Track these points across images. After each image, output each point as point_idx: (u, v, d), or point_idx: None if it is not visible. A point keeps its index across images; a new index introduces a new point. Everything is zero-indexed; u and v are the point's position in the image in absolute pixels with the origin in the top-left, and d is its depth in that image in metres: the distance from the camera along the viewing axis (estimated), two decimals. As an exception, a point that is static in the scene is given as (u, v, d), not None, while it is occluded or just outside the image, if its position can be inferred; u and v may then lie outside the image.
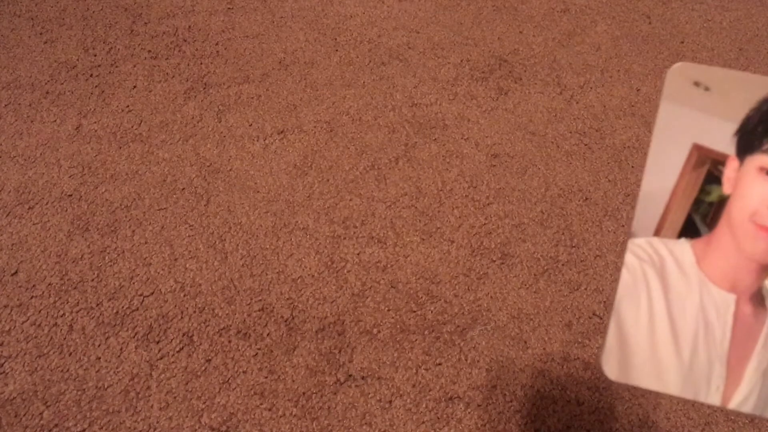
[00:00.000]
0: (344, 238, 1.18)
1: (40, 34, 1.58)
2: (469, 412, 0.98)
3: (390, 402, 0.98)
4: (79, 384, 0.99)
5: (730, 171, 0.41)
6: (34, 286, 1.10)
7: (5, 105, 1.41)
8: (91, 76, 1.48)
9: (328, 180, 1.28)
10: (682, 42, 1.63)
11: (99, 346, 1.03)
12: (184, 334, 1.05)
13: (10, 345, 1.03)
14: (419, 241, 1.18)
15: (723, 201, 0.41)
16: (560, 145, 1.36)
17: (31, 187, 1.25)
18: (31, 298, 1.08)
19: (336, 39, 1.61)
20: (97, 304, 1.08)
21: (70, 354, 1.02)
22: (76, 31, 1.60)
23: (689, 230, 0.42)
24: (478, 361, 1.03)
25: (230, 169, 1.29)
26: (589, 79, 1.52)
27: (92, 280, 1.11)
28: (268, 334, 1.05)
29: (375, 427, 0.96)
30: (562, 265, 1.16)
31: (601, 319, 1.09)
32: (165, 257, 1.14)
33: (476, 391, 1.00)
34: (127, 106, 1.41)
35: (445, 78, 1.51)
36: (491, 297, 1.11)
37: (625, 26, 1.68)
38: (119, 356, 1.02)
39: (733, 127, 0.40)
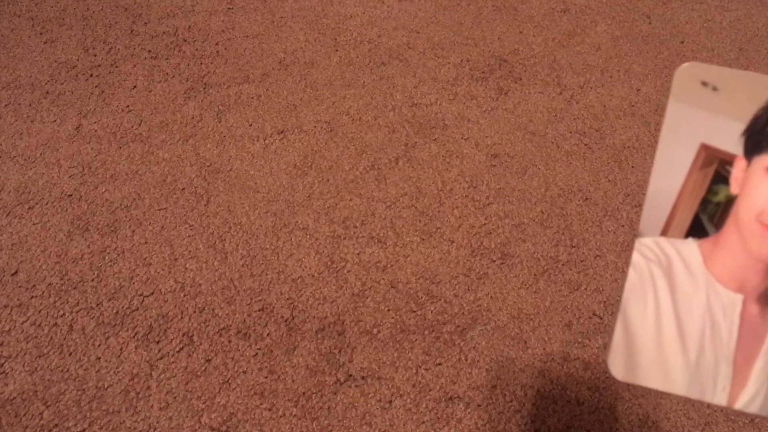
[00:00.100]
0: (344, 238, 1.18)
1: (40, 34, 1.58)
2: (469, 412, 0.98)
3: (390, 402, 0.98)
4: (79, 384, 0.98)
5: (737, 171, 0.40)
6: (34, 286, 1.10)
7: (5, 105, 1.40)
8: (91, 76, 1.48)
9: (328, 180, 1.28)
10: (682, 42, 1.63)
11: (99, 346, 1.03)
12: (184, 334, 1.04)
13: (10, 345, 1.02)
14: (419, 241, 1.18)
15: (730, 201, 0.41)
16: (560, 145, 1.36)
17: (31, 187, 1.24)
18: (31, 298, 1.08)
19: (336, 39, 1.61)
20: (97, 304, 1.08)
21: (70, 354, 1.02)
22: (76, 31, 1.60)
23: (696, 230, 0.42)
24: (478, 361, 1.03)
25: (230, 169, 1.29)
26: (589, 79, 1.52)
27: (92, 280, 1.11)
28: (268, 334, 1.05)
29: (375, 427, 0.96)
30: (562, 265, 1.16)
31: (601, 319, 1.09)
32: (165, 257, 1.14)
33: (476, 391, 1.00)
34: (127, 106, 1.41)
35: (445, 78, 1.51)
36: (491, 297, 1.11)
37: (625, 26, 1.68)
38: (119, 356, 1.02)
39: (740, 127, 0.40)
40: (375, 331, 1.06)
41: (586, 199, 1.26)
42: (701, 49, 1.62)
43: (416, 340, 1.05)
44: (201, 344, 1.03)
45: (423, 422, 0.96)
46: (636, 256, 0.42)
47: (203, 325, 1.06)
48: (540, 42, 1.62)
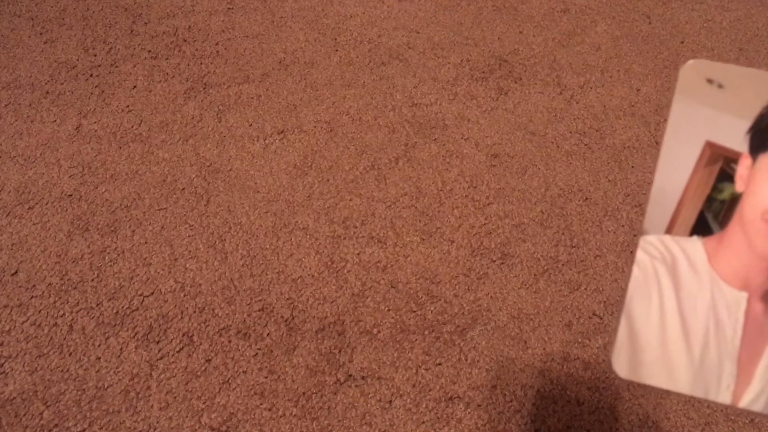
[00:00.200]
0: (344, 238, 1.18)
1: (40, 34, 1.58)
2: (469, 412, 0.97)
3: (390, 402, 0.98)
4: (79, 384, 0.98)
5: (742, 169, 0.40)
6: (34, 286, 1.10)
7: (5, 105, 1.40)
8: (91, 76, 1.48)
9: (328, 180, 1.28)
10: (682, 42, 1.64)
11: (99, 346, 1.03)
12: (184, 334, 1.04)
13: (10, 345, 1.02)
14: (419, 241, 1.18)
15: (735, 199, 0.41)
16: (560, 145, 1.36)
17: (31, 187, 1.24)
18: (31, 298, 1.08)
19: (336, 39, 1.61)
20: (97, 304, 1.07)
21: (70, 354, 1.01)
22: (76, 31, 1.59)
23: (701, 228, 0.42)
24: (478, 361, 1.03)
25: (230, 169, 1.29)
26: (589, 79, 1.52)
27: (92, 280, 1.11)
28: (268, 334, 1.05)
29: (375, 427, 0.96)
30: (562, 265, 1.16)
31: (601, 319, 1.09)
32: (165, 257, 1.14)
33: (476, 391, 1.00)
34: (127, 106, 1.41)
35: (445, 78, 1.51)
36: (491, 297, 1.11)
37: (625, 26, 1.68)
38: (119, 356, 1.02)
39: (746, 124, 0.40)
40: (375, 331, 1.06)
41: (586, 199, 1.26)
42: (701, 49, 1.62)
43: (416, 340, 1.05)
44: (201, 344, 1.03)
45: (423, 422, 0.96)
46: (641, 254, 0.42)
47: (203, 325, 1.05)
48: (540, 42, 1.62)
